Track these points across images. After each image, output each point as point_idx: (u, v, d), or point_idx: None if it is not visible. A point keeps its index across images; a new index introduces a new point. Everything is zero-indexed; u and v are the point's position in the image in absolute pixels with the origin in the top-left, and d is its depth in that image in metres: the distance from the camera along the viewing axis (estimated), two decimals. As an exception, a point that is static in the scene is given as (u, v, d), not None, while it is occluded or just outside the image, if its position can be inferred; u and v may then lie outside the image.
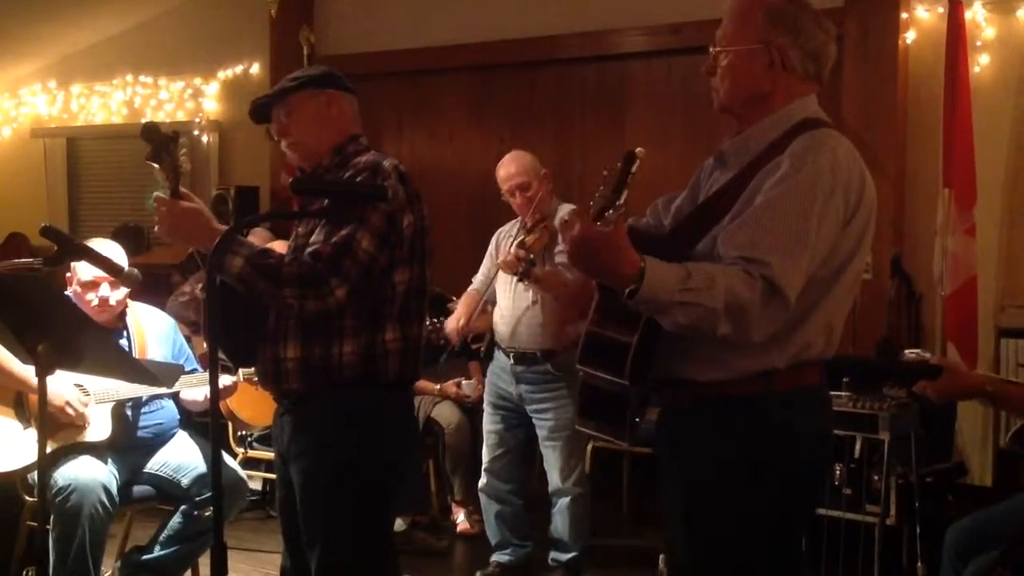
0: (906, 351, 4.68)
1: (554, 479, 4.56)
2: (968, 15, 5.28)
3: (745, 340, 2.17)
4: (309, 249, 2.68)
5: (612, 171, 2.24)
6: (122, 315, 4.08)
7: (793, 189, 2.20)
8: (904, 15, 5.49)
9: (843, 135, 2.37)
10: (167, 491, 4.08)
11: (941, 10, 5.31)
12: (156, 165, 2.70)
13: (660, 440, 2.50)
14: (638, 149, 2.24)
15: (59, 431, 3.82)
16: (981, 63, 5.36)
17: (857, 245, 2.31)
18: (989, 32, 5.38)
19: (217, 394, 2.25)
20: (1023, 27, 5.33)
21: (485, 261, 4.74)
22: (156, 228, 2.73)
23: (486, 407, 4.71)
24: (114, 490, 3.86)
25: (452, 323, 4.61)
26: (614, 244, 2.10)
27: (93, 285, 3.93)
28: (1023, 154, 5.34)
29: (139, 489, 4.09)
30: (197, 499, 4.01)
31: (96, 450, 3.90)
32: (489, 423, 4.68)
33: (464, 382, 5.54)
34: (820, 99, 2.43)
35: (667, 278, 2.10)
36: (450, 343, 4.66)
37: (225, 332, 2.74)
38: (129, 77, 8.37)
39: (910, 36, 5.51)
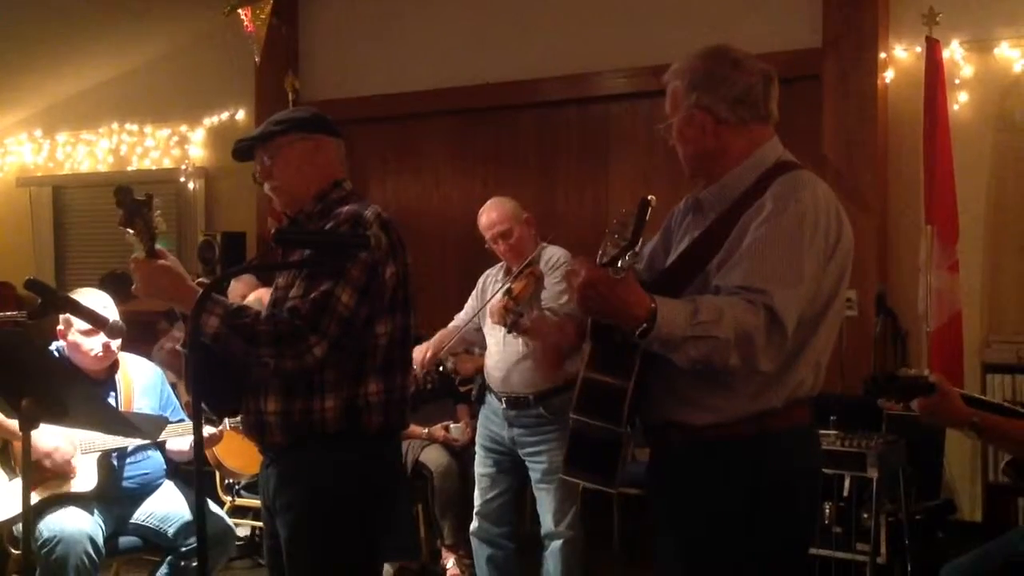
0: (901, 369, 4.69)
1: (547, 522, 4.53)
2: (946, 54, 5.34)
3: (752, 370, 2.20)
4: (287, 304, 2.64)
5: (625, 218, 2.25)
6: (112, 366, 4.07)
7: (781, 227, 2.25)
8: (882, 55, 5.56)
9: (824, 173, 2.42)
10: (154, 541, 4.06)
11: (919, 49, 5.37)
12: (130, 231, 2.68)
13: (653, 483, 2.52)
14: (650, 196, 2.27)
15: (44, 482, 3.80)
16: (960, 101, 5.42)
17: (839, 282, 2.36)
18: (967, 70, 5.44)
19: (202, 445, 2.24)
20: (1000, 65, 5.39)
21: (470, 301, 4.73)
22: (134, 287, 2.72)
23: (478, 450, 4.68)
24: (100, 541, 3.84)
25: (417, 354, 4.53)
26: (625, 286, 2.14)
27: (94, 332, 3.88)
28: (1003, 190, 5.39)
29: (125, 540, 4.06)
30: (183, 549, 3.98)
31: (82, 501, 3.87)
32: (481, 466, 4.65)
33: (452, 425, 5.52)
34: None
35: (677, 315, 2.14)
36: (414, 375, 4.56)
37: (208, 384, 2.72)
38: (115, 125, 8.43)
39: (889, 75, 5.57)
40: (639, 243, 2.22)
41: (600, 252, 2.26)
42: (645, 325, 2.12)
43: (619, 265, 2.16)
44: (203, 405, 2.75)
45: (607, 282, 2.14)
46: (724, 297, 2.20)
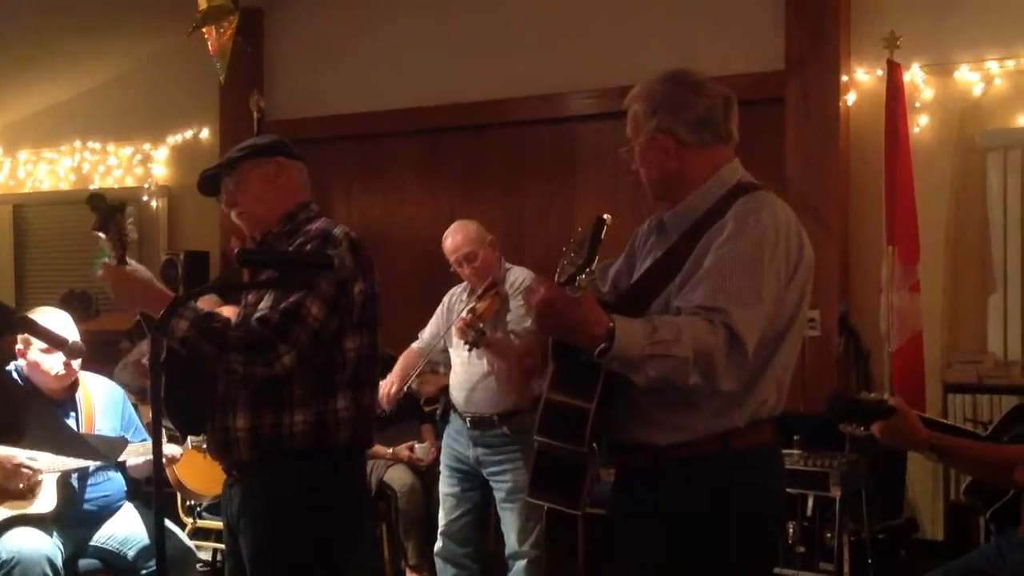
0: (861, 393, 4.72)
1: (511, 541, 4.52)
2: (907, 77, 5.41)
3: (713, 389, 2.20)
4: (257, 314, 2.66)
5: (580, 236, 2.26)
6: (73, 386, 4.02)
7: (742, 247, 2.26)
8: (844, 77, 5.62)
9: (786, 194, 2.44)
10: (113, 564, 4.02)
11: (880, 72, 5.43)
12: (103, 235, 2.68)
13: (618, 503, 2.52)
14: (606, 215, 2.28)
15: (2, 501, 3.75)
16: (920, 123, 5.49)
17: (800, 302, 2.37)
18: (927, 93, 5.51)
19: (161, 465, 2.22)
20: (960, 88, 5.46)
21: (434, 319, 4.73)
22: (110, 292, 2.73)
23: (443, 470, 4.68)
24: (59, 563, 3.80)
25: (383, 388, 4.52)
26: (582, 305, 2.14)
27: (55, 350, 3.84)
28: (964, 211, 5.45)
29: (85, 562, 4.02)
30: (143, 572, 3.95)
31: (41, 522, 3.83)
32: (446, 486, 4.64)
33: (417, 445, 5.50)
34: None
35: (636, 333, 2.14)
36: (380, 408, 4.55)
37: (173, 400, 2.71)
38: (77, 143, 8.35)
39: (851, 98, 5.63)
40: (595, 261, 2.22)
41: (557, 271, 2.26)
42: (604, 344, 2.12)
43: (576, 284, 2.16)
44: (170, 423, 2.75)
45: (565, 301, 2.14)
46: (683, 317, 2.21)
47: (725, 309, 2.18)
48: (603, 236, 2.24)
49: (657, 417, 2.32)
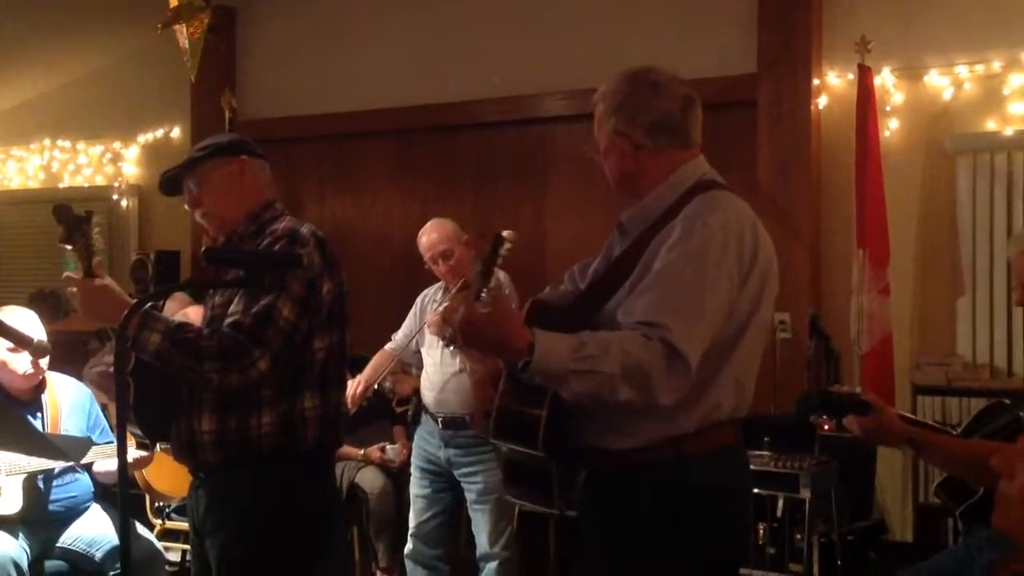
0: (834, 386, 4.73)
1: (482, 543, 4.52)
2: (877, 81, 5.44)
3: (651, 404, 2.19)
4: (229, 319, 2.63)
5: (481, 254, 2.28)
6: (40, 386, 3.98)
7: (687, 253, 2.24)
8: (816, 81, 5.64)
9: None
10: (80, 566, 3.98)
11: (851, 76, 5.46)
12: (69, 247, 2.66)
13: (583, 507, 2.52)
14: (506, 232, 2.29)
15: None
16: (891, 127, 5.51)
17: (757, 302, 2.34)
18: (898, 97, 5.54)
19: (126, 468, 2.20)
20: (930, 92, 5.49)
21: (407, 320, 4.72)
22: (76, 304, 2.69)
23: (414, 471, 4.67)
24: (25, 566, 3.76)
25: (350, 388, 4.52)
26: (497, 322, 2.15)
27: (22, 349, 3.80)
28: (933, 215, 5.48)
29: (51, 564, 3.98)
30: (111, 574, 3.91)
31: (6, 524, 3.79)
32: (417, 487, 4.64)
33: (388, 447, 5.48)
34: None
35: (559, 348, 2.14)
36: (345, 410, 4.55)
37: (140, 407, 2.69)
38: (47, 141, 8.29)
39: (822, 101, 5.66)
40: (491, 278, 2.23)
41: (471, 288, 2.27)
42: (527, 358, 2.13)
43: (480, 300, 2.18)
44: (137, 430, 2.73)
45: (483, 319, 2.15)
46: (618, 332, 2.20)
47: (663, 324, 2.16)
48: (501, 253, 2.26)
49: (609, 422, 2.31)
